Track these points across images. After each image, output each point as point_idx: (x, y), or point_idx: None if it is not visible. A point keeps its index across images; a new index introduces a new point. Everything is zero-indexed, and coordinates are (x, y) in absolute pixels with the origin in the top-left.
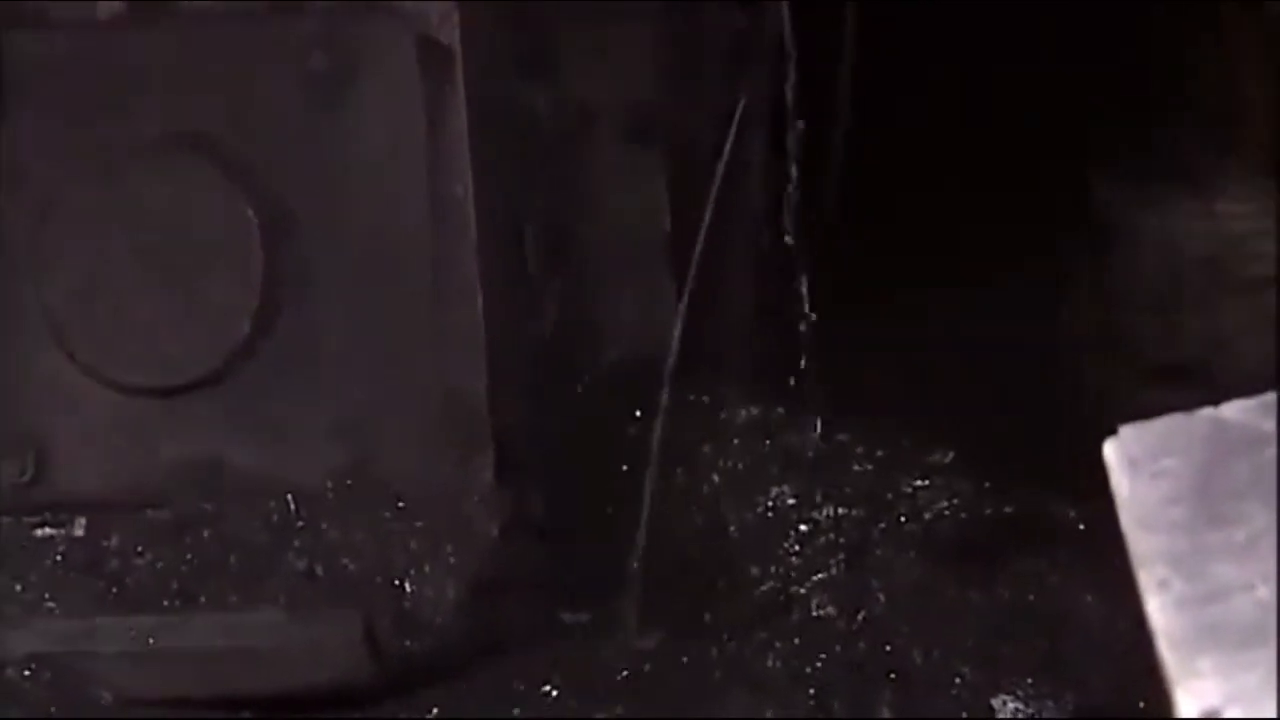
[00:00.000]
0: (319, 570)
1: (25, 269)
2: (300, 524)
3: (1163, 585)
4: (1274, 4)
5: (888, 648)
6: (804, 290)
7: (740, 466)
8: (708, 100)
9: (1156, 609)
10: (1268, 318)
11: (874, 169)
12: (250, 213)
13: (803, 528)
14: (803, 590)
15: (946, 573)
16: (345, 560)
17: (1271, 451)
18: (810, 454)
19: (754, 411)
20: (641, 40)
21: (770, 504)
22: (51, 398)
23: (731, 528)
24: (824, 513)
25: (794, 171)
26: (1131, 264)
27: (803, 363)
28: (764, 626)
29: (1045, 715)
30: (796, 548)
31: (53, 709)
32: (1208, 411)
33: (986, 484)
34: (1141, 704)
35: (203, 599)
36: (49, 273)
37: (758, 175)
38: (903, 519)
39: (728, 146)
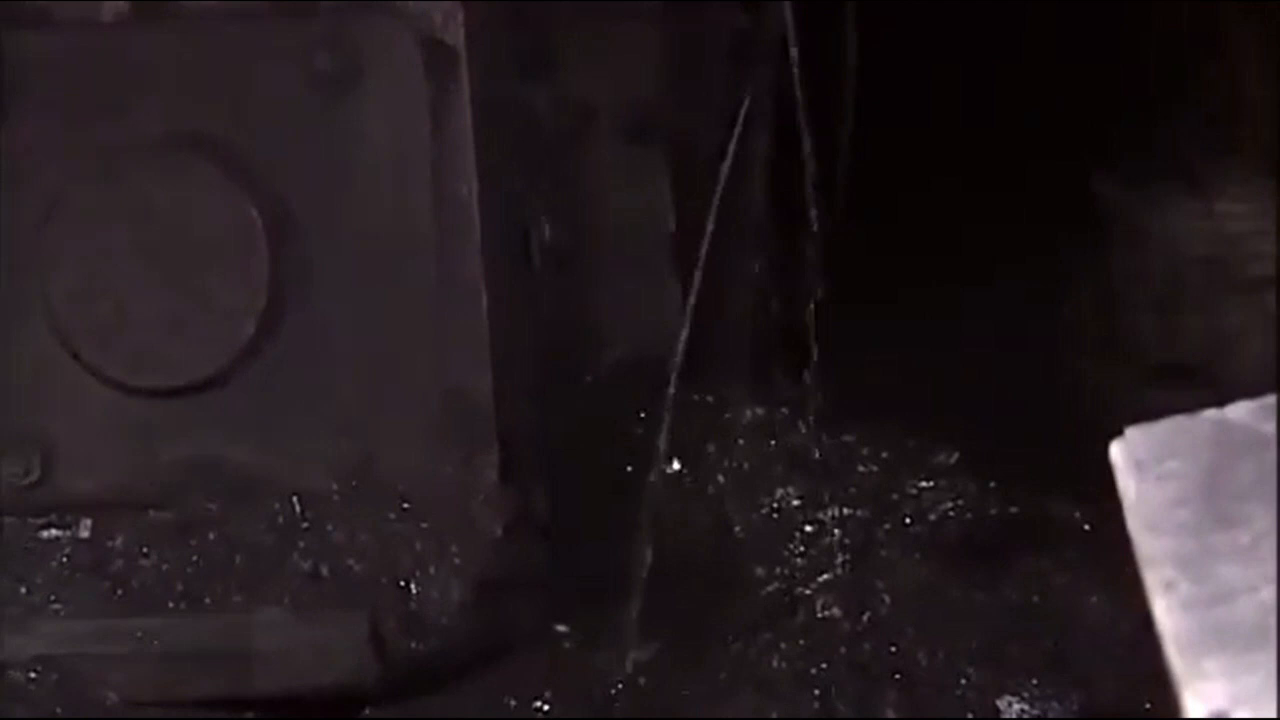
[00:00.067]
0: (324, 571)
1: (29, 269)
2: (305, 525)
3: (1169, 587)
4: (1274, 4)
5: (893, 648)
6: (810, 289)
7: (745, 467)
8: (711, 100)
9: (1163, 610)
10: (1268, 318)
11: (876, 169)
12: (255, 213)
13: (807, 528)
14: (808, 591)
15: (952, 573)
16: (350, 561)
17: (1274, 454)
18: (815, 455)
19: (759, 412)
20: (644, 40)
21: (775, 504)
22: (56, 399)
23: (736, 528)
24: (829, 513)
25: (798, 171)
26: (1132, 264)
27: (813, 361)
28: (769, 627)
29: (1051, 716)
30: (801, 548)
31: (58, 710)
32: (1213, 413)
33: (991, 484)
34: (1148, 705)
35: (208, 600)
36: (53, 273)
37: (761, 175)
38: (908, 520)
39: (731, 146)
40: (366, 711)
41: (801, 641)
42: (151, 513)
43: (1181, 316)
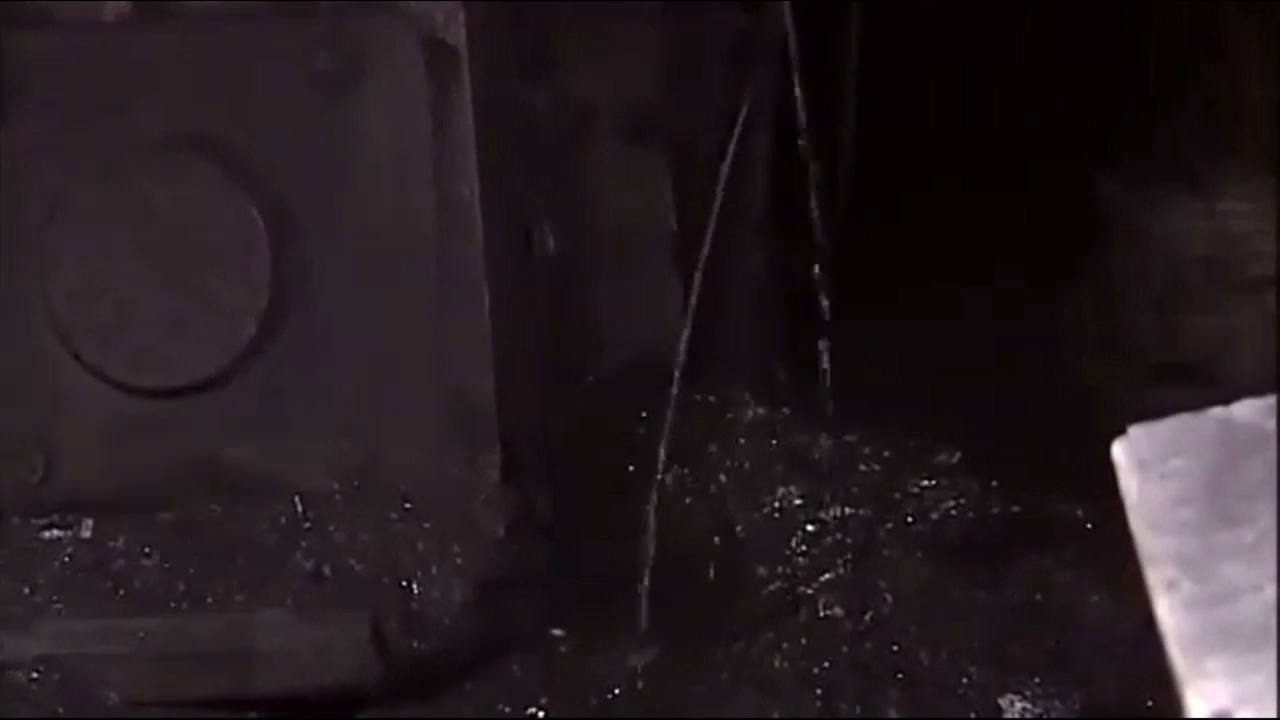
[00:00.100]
0: (326, 571)
1: (31, 269)
2: (307, 525)
3: (1172, 586)
4: (1274, 4)
5: (895, 648)
6: (816, 289)
7: (747, 466)
8: (712, 99)
9: (1166, 610)
10: (1268, 318)
11: (877, 169)
12: (256, 213)
13: (810, 528)
14: (810, 590)
15: (954, 573)
16: (352, 561)
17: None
18: (817, 454)
19: (761, 411)
20: (645, 40)
21: (777, 504)
22: (58, 399)
23: (738, 528)
24: (831, 513)
25: (799, 171)
26: (1132, 264)
27: (823, 362)
28: (771, 627)
29: (1053, 715)
30: (803, 548)
31: (60, 710)
32: (1217, 411)
33: (993, 484)
34: (1150, 704)
35: (210, 600)
36: (54, 273)
37: (762, 175)
38: (910, 519)
39: (732, 146)
40: (368, 711)
41: (803, 641)
42: (153, 513)
43: (1182, 316)
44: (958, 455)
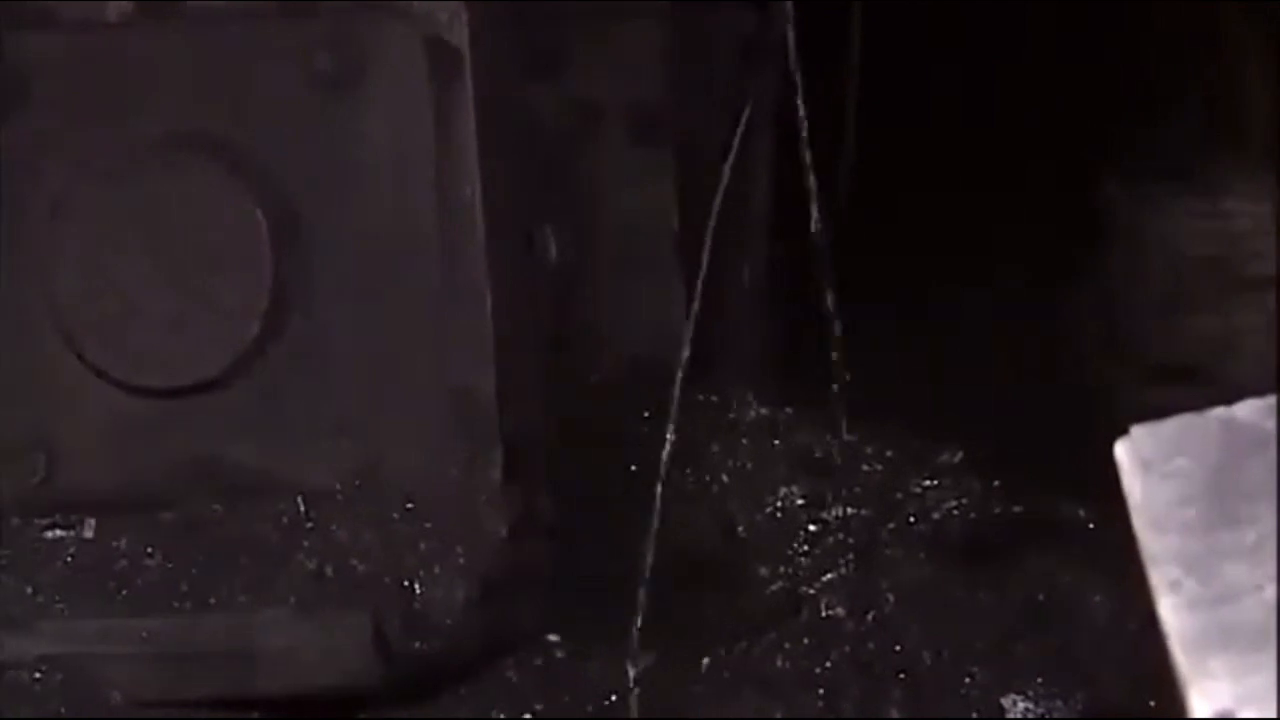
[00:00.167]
0: (328, 571)
1: (34, 269)
2: (310, 525)
3: (1175, 586)
4: (1274, 4)
5: (897, 648)
6: (817, 289)
7: (749, 466)
8: (715, 100)
9: (1168, 610)
10: (1269, 317)
11: (879, 169)
12: (258, 213)
13: (812, 528)
14: (812, 590)
15: (956, 572)
16: (354, 561)
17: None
18: (819, 454)
19: (763, 411)
20: (648, 40)
21: (779, 504)
22: (61, 399)
23: (740, 528)
24: (833, 513)
25: (803, 171)
26: (1133, 263)
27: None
28: (773, 627)
29: (1055, 715)
30: (805, 548)
31: (63, 710)
32: (1220, 411)
33: (995, 483)
34: (1152, 704)
35: (212, 600)
36: (57, 273)
37: (766, 175)
38: (912, 519)
39: (735, 146)
40: (370, 711)
41: (806, 641)
42: (156, 513)
43: (1182, 316)
44: (960, 455)
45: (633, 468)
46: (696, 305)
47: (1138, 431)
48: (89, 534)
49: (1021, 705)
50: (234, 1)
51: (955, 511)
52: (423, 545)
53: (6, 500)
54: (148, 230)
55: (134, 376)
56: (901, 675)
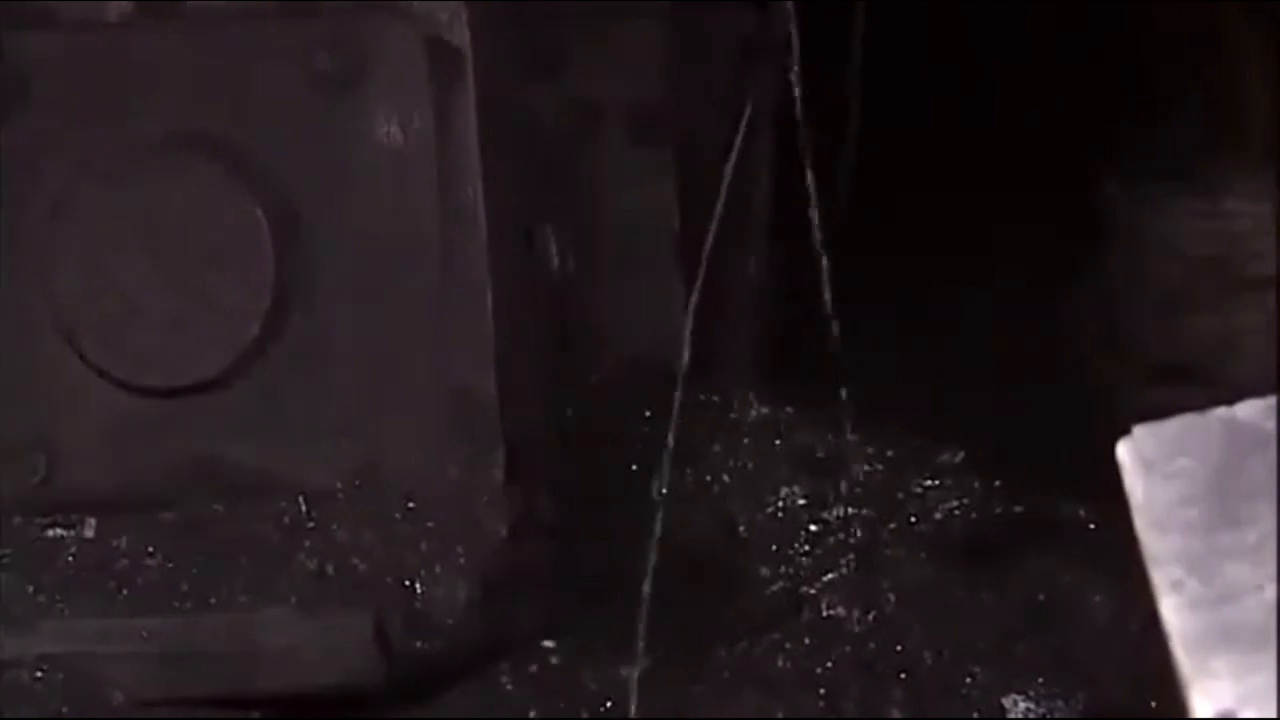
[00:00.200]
0: (329, 570)
1: (34, 269)
2: (311, 524)
3: (1176, 586)
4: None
5: (898, 647)
6: (818, 289)
7: (750, 466)
8: (716, 100)
9: (1170, 610)
10: (1270, 317)
11: (880, 169)
12: (259, 213)
13: (813, 527)
14: (813, 590)
15: (957, 572)
16: (355, 560)
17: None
18: (820, 454)
19: (764, 411)
20: (649, 40)
21: (780, 504)
22: (61, 399)
23: (741, 527)
24: (834, 513)
25: (804, 171)
26: (1133, 263)
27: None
28: (774, 626)
29: (1057, 715)
30: (807, 548)
31: (64, 709)
32: (1222, 411)
33: (997, 483)
34: (1153, 704)
35: (213, 599)
36: (58, 273)
37: (766, 175)
38: (913, 519)
39: (737, 146)
40: (371, 711)
41: (807, 641)
42: (156, 513)
43: (1182, 316)
44: (960, 455)
45: (633, 468)
46: (696, 304)
47: (1140, 431)
48: (90, 533)
49: (1023, 705)
50: (234, 1)
51: (956, 511)
52: (424, 545)
53: (7, 500)
54: (148, 230)
55: (134, 376)
56: (903, 675)
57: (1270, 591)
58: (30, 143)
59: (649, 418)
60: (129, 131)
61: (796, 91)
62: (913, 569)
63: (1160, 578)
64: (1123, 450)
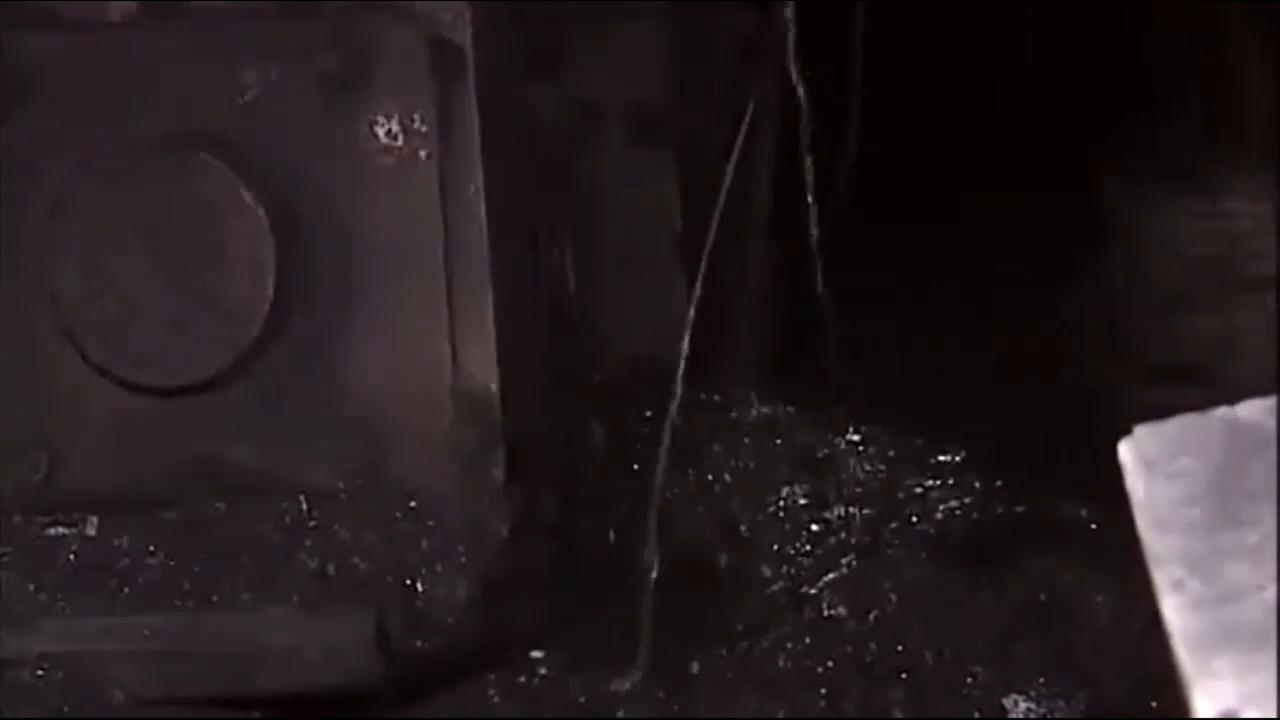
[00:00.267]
0: (331, 570)
1: (36, 269)
2: (312, 524)
3: (1178, 586)
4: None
5: (899, 647)
6: (818, 289)
7: (751, 465)
8: (717, 99)
9: (1172, 609)
10: (1270, 317)
11: (879, 169)
12: (261, 213)
13: (814, 527)
14: (814, 590)
15: (958, 572)
16: (357, 560)
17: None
18: (821, 454)
19: (765, 410)
20: (649, 40)
21: (781, 503)
22: (63, 398)
23: (742, 527)
24: (835, 512)
25: (805, 171)
26: (1133, 263)
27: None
28: (775, 626)
29: (1057, 715)
30: (807, 547)
31: (65, 708)
32: (1224, 411)
33: (998, 483)
34: (1154, 704)
35: (214, 598)
36: (59, 272)
37: (767, 174)
38: (914, 519)
39: (737, 146)
40: (372, 710)
41: (807, 640)
42: (158, 512)
43: (1183, 316)
44: (961, 455)
45: (635, 467)
46: (696, 304)
47: (1141, 431)
48: (91, 532)
49: (1023, 705)
50: (236, 1)
51: (957, 511)
52: (424, 544)
53: (9, 498)
54: (148, 230)
55: (136, 376)
56: (903, 675)
57: (1271, 591)
58: (30, 143)
59: (650, 417)
60: (129, 131)
61: (797, 92)
62: (913, 569)
63: (1161, 577)
64: (1124, 450)
